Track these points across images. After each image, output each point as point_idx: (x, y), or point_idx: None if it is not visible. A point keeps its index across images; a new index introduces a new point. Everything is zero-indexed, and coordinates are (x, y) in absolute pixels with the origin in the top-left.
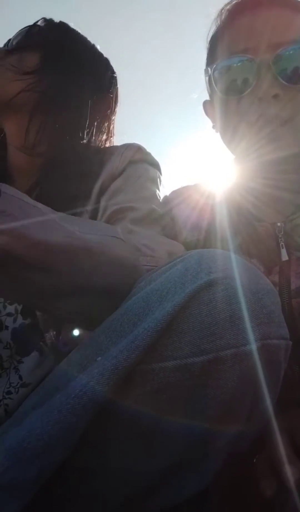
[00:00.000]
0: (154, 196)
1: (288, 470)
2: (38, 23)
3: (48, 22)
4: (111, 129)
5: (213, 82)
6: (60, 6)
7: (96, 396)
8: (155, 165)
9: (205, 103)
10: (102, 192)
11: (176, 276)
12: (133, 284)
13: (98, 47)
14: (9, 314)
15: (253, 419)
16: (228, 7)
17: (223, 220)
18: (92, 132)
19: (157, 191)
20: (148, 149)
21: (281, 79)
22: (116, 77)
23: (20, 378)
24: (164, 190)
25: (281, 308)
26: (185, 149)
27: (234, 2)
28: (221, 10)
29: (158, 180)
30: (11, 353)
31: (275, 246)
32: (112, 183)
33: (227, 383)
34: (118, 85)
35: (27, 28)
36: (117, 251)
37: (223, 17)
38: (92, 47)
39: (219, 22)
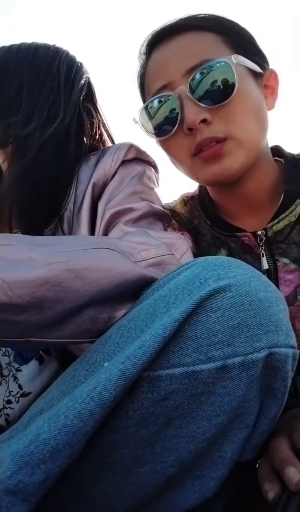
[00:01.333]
0: (152, 194)
1: (289, 473)
2: None
3: None
4: (98, 131)
5: (144, 128)
6: None
7: (103, 401)
8: (150, 163)
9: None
10: (94, 193)
11: (183, 282)
12: (139, 288)
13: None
14: None
15: (260, 426)
16: (142, 49)
17: (206, 235)
18: (54, 119)
19: (154, 188)
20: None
21: (202, 104)
22: (76, 65)
23: (20, 387)
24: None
25: (289, 316)
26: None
27: (145, 43)
28: (139, 53)
29: (155, 177)
30: (10, 360)
31: (259, 255)
32: (107, 187)
33: (235, 390)
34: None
35: None
36: (105, 261)
37: (141, 59)
38: (33, 49)
39: (139, 65)
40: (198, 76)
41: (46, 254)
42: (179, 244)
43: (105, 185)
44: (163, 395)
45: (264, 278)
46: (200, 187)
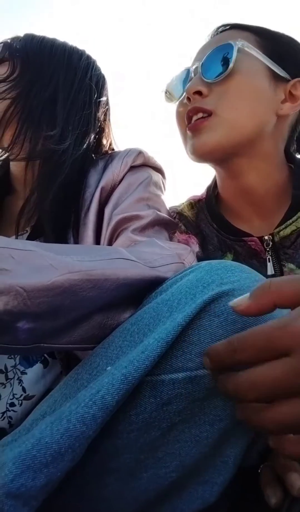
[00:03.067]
0: (158, 201)
1: (291, 479)
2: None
3: (15, 36)
4: (108, 132)
5: (165, 94)
6: None
7: (106, 406)
8: (158, 169)
9: None
10: (102, 197)
11: (186, 286)
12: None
13: (84, 51)
14: None
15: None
16: (211, 32)
17: (212, 238)
18: (85, 136)
19: (162, 195)
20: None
21: (203, 77)
22: (102, 79)
23: (24, 390)
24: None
25: None
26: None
27: (216, 27)
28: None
29: (162, 184)
30: (15, 363)
31: (265, 260)
32: (114, 192)
33: None
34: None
35: None
36: (122, 271)
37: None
38: (67, 53)
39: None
40: (210, 54)
41: (66, 262)
42: (186, 255)
43: (112, 189)
44: (166, 400)
45: None
46: (208, 190)
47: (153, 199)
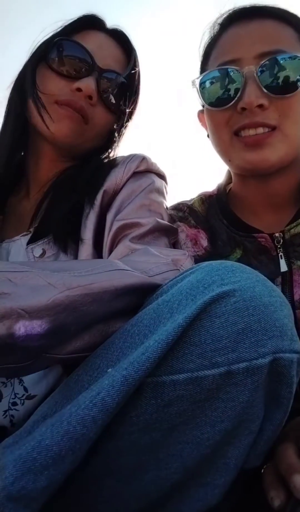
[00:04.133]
0: (160, 208)
1: (295, 480)
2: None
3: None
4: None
5: (199, 93)
6: None
7: (106, 408)
8: (161, 176)
9: (199, 113)
10: (104, 200)
11: (187, 287)
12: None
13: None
14: None
15: (265, 433)
16: (219, 20)
17: (222, 234)
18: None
19: (164, 201)
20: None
21: (265, 89)
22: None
23: (25, 389)
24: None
25: (293, 321)
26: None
27: (226, 15)
28: (214, 23)
29: (164, 190)
30: None
31: (275, 257)
32: (117, 197)
33: (239, 396)
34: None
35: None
36: (119, 282)
37: (214, 29)
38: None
39: (211, 34)
40: (270, 62)
41: (64, 279)
42: (183, 261)
43: (115, 194)
44: (167, 401)
45: (269, 282)
46: (219, 187)
47: (154, 205)
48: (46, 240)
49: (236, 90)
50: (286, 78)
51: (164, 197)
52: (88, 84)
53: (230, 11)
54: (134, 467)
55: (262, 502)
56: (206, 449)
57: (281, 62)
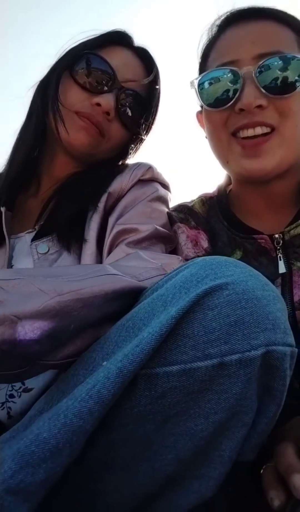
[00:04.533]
0: (160, 216)
1: (295, 480)
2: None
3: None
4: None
5: (198, 94)
6: None
7: (102, 399)
8: (165, 185)
9: (197, 114)
10: (108, 202)
11: (181, 281)
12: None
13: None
14: None
15: (259, 426)
16: (218, 22)
17: (222, 235)
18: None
19: (165, 210)
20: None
21: (264, 90)
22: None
23: (22, 382)
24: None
25: (287, 316)
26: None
27: (224, 17)
28: (212, 24)
29: (167, 199)
30: None
31: (274, 258)
32: (120, 201)
33: (232, 388)
34: None
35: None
36: (109, 286)
37: (213, 31)
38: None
39: (209, 36)
40: (268, 63)
41: (55, 284)
42: (176, 264)
43: (119, 198)
44: (161, 393)
45: (262, 277)
46: (220, 188)
47: (155, 213)
48: (50, 237)
49: (235, 91)
50: (285, 78)
51: (166, 206)
52: (107, 100)
53: (228, 13)
54: (129, 459)
55: (261, 502)
56: (200, 440)
57: (279, 63)
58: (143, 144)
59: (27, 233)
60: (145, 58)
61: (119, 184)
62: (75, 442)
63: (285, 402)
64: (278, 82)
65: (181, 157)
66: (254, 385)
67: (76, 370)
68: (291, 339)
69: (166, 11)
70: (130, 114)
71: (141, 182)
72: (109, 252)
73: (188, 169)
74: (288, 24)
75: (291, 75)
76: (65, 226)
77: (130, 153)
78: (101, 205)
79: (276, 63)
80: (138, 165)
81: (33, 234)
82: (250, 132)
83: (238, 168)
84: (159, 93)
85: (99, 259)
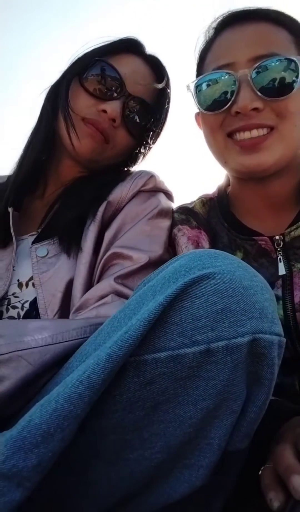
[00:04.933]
0: (160, 233)
1: (294, 481)
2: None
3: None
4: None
5: (194, 97)
6: None
7: (92, 384)
8: (168, 194)
9: (196, 114)
10: (106, 211)
11: (170, 272)
12: None
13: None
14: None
15: (248, 414)
16: (214, 24)
17: (223, 237)
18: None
19: (167, 224)
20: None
21: (260, 92)
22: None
23: None
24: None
25: (275, 306)
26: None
27: (220, 19)
28: (208, 27)
29: (170, 210)
30: None
31: (275, 260)
32: (119, 213)
33: (219, 374)
34: None
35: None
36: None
37: (209, 33)
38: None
39: (206, 38)
40: (264, 65)
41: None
42: None
43: (118, 208)
44: (149, 379)
45: (251, 269)
46: (220, 189)
47: (155, 231)
48: (51, 241)
49: (231, 94)
50: (281, 80)
51: (168, 218)
52: (114, 107)
53: (224, 15)
54: (119, 446)
55: (260, 503)
56: (188, 428)
57: (275, 65)
58: (150, 151)
59: (30, 235)
60: (155, 66)
61: (119, 193)
62: (67, 427)
63: (285, 406)
64: (274, 84)
65: (181, 157)
66: (241, 372)
67: (70, 363)
68: (278, 328)
69: (166, 12)
70: (137, 121)
71: (142, 193)
72: (101, 274)
73: (188, 169)
74: (284, 25)
75: (287, 77)
76: (65, 230)
77: (138, 160)
78: (99, 214)
79: (272, 64)
80: (140, 173)
81: (34, 237)
82: (246, 135)
83: (237, 166)
84: (169, 102)
85: (92, 271)
